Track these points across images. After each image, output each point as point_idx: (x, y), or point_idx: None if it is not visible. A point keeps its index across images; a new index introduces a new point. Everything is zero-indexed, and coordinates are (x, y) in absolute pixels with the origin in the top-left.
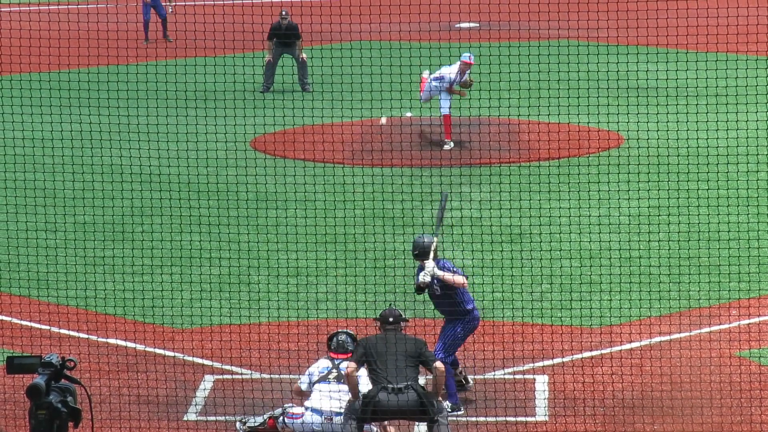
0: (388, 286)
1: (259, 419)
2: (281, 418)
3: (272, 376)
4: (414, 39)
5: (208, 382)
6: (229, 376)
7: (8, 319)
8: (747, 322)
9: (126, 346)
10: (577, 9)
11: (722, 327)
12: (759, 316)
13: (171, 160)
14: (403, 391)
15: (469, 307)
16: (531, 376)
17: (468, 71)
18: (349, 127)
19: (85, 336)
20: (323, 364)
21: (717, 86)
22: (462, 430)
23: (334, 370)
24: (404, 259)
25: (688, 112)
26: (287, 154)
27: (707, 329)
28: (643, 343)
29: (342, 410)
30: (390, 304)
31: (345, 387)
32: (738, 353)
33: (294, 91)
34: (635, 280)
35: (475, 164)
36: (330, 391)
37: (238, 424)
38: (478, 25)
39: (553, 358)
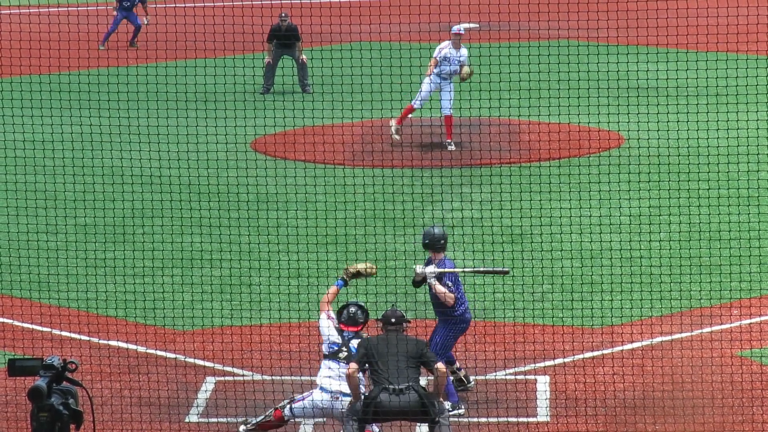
0: (389, 287)
1: (269, 411)
2: (287, 407)
3: (273, 377)
4: (414, 40)
5: (209, 384)
6: (230, 378)
7: (9, 321)
8: (748, 321)
9: (127, 348)
10: (577, 9)
11: (723, 327)
12: (760, 315)
13: (171, 161)
14: (404, 392)
15: (460, 310)
16: (532, 377)
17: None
18: (350, 128)
19: (87, 338)
20: (334, 336)
21: (717, 86)
22: (464, 430)
23: (344, 350)
24: (405, 260)
25: (688, 112)
26: (287, 156)
27: (708, 329)
28: (645, 343)
29: (345, 398)
30: (392, 305)
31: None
32: (739, 353)
33: (294, 93)
34: (636, 280)
35: (476, 165)
36: (340, 374)
37: (241, 428)
38: (478, 25)
39: (554, 359)
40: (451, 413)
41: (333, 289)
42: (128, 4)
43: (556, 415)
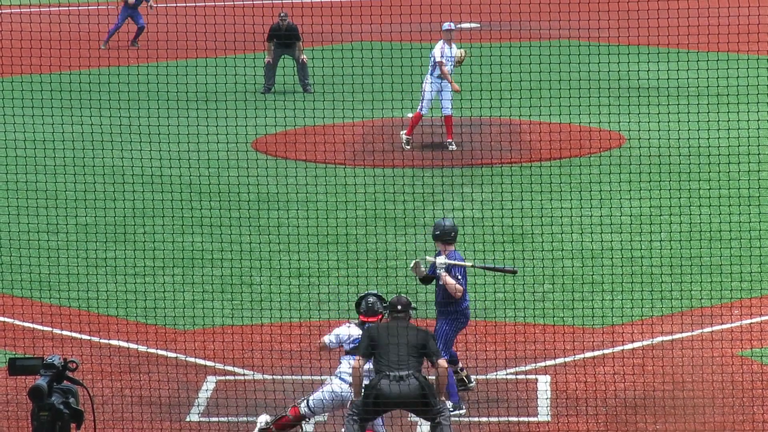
0: (390, 286)
1: (286, 410)
2: (304, 403)
3: (274, 376)
4: (415, 39)
5: (210, 383)
6: (231, 377)
7: (10, 320)
8: (749, 321)
9: (128, 348)
10: (578, 9)
11: (724, 327)
12: (761, 315)
13: (172, 161)
14: (404, 379)
15: (464, 304)
16: (533, 376)
17: (453, 43)
18: (351, 128)
19: (87, 337)
20: (352, 332)
21: (718, 86)
22: (464, 430)
23: None
24: (406, 259)
25: (689, 112)
26: (288, 155)
27: (709, 329)
28: (645, 342)
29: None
30: (398, 293)
31: (367, 365)
32: (740, 353)
33: (295, 92)
34: (637, 280)
35: (477, 165)
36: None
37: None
38: (478, 25)
39: (555, 358)
40: (452, 413)
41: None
42: (135, 2)
43: (557, 415)
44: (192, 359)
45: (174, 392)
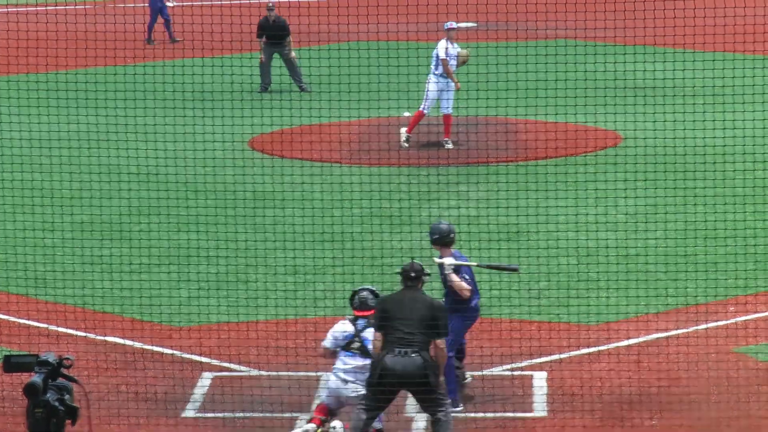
0: (386, 284)
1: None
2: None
3: (270, 373)
4: (412, 39)
5: (206, 380)
6: (227, 374)
7: (6, 317)
8: (744, 318)
9: (124, 344)
10: (575, 9)
11: (719, 323)
12: (756, 312)
13: (169, 159)
14: (409, 355)
15: (474, 302)
16: (529, 373)
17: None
18: (347, 126)
19: (83, 334)
20: (346, 328)
21: (714, 85)
22: (461, 425)
23: (357, 340)
24: (402, 257)
25: (685, 111)
26: (285, 154)
27: (704, 326)
28: (641, 339)
29: (357, 387)
30: (411, 259)
31: (363, 361)
32: (735, 349)
33: (291, 91)
34: (633, 278)
35: (473, 163)
36: (355, 369)
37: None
38: (475, 24)
39: (551, 355)
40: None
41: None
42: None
43: (553, 411)
44: (188, 356)
45: (170, 388)
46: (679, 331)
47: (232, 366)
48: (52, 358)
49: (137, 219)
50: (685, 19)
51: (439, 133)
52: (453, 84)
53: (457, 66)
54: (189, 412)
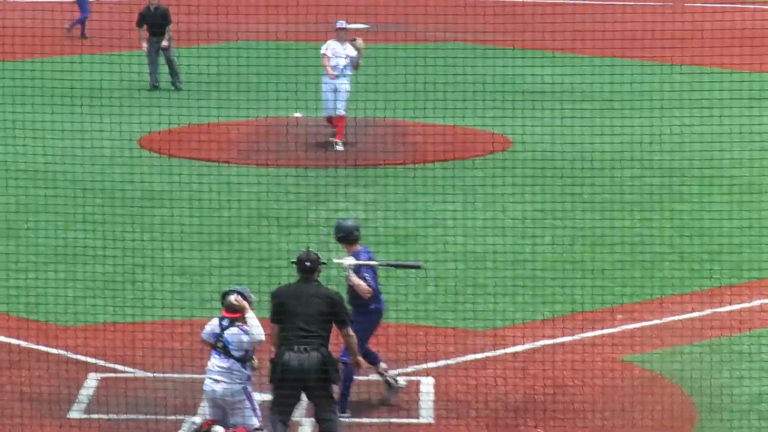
0: (273, 286)
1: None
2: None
3: (156, 374)
4: (301, 39)
5: (92, 381)
6: (113, 375)
7: None
8: (631, 326)
9: (9, 343)
10: (464, 12)
11: (606, 331)
12: (643, 321)
13: (57, 157)
14: (308, 351)
15: (375, 303)
16: (416, 378)
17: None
18: (236, 126)
19: None
20: (213, 326)
21: (603, 90)
22: (345, 430)
23: (220, 339)
24: (290, 258)
25: (574, 116)
26: (174, 153)
27: (591, 333)
28: (528, 346)
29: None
30: (307, 247)
31: (227, 362)
32: (622, 357)
33: (183, 90)
34: (521, 284)
35: (362, 165)
36: (221, 369)
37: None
38: (367, 26)
39: (438, 360)
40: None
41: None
42: None
43: (439, 417)
44: (74, 356)
45: (55, 389)
46: (566, 339)
47: (119, 367)
48: None
49: (24, 217)
50: (575, 24)
51: (328, 135)
52: (346, 85)
53: (357, 64)
54: (74, 413)
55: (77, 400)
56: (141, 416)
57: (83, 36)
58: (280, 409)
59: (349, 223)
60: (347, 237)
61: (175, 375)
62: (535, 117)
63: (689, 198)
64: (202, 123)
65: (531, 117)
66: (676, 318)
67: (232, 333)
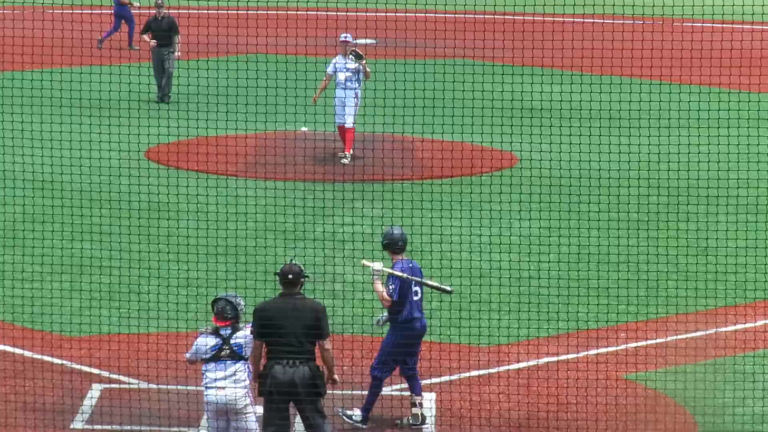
0: None
1: None
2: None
3: (160, 386)
4: (310, 53)
5: (95, 391)
6: (117, 386)
7: None
8: (635, 345)
9: (14, 353)
10: (473, 29)
11: (610, 349)
12: (646, 339)
13: (64, 167)
14: (297, 365)
15: (403, 316)
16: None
17: (351, 52)
18: (243, 139)
19: None
20: (208, 341)
21: (611, 109)
22: None
23: (226, 347)
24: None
25: (581, 135)
26: (181, 165)
27: (595, 351)
28: (532, 363)
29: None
30: (290, 259)
31: (232, 368)
32: (625, 375)
33: (189, 102)
34: (525, 300)
35: (369, 180)
36: (226, 375)
37: None
38: (375, 41)
39: (441, 376)
40: (351, 419)
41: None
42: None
43: None
44: (78, 366)
45: (59, 399)
46: (570, 356)
47: (123, 378)
48: None
49: (31, 227)
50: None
51: (335, 148)
52: (352, 97)
53: (366, 74)
54: (78, 424)
55: (81, 411)
56: (144, 427)
57: (131, 47)
58: (274, 424)
59: (394, 231)
60: (390, 245)
61: (179, 387)
62: (543, 134)
63: (694, 217)
64: (209, 136)
65: (538, 134)
66: (679, 337)
67: (240, 335)
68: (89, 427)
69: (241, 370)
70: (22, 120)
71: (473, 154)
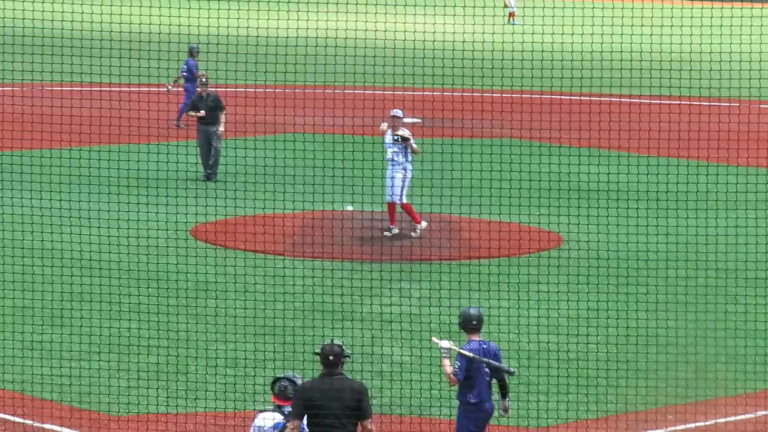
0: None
1: None
2: None
3: None
4: (358, 132)
5: None
6: None
7: None
8: (682, 427)
9: None
10: (520, 109)
11: None
12: (695, 421)
13: (111, 246)
14: None
15: (472, 398)
16: None
17: (401, 127)
18: (291, 219)
19: (21, 420)
20: (276, 416)
21: (657, 190)
22: None
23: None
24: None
25: (628, 216)
26: (227, 244)
27: None
28: None
29: None
30: (331, 339)
31: None
32: None
33: (236, 181)
34: (572, 382)
35: (415, 260)
36: None
37: None
38: (420, 120)
39: None
40: None
41: None
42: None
43: None
44: None
45: None
46: None
47: None
48: None
49: (78, 305)
50: (631, 123)
51: (382, 228)
52: (399, 171)
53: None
54: None
55: None
56: None
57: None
58: None
59: (470, 312)
60: (462, 324)
61: None
62: (589, 215)
63: (742, 299)
64: (256, 215)
65: (585, 215)
66: (728, 419)
67: None
68: None
69: None
70: (70, 198)
71: (520, 235)
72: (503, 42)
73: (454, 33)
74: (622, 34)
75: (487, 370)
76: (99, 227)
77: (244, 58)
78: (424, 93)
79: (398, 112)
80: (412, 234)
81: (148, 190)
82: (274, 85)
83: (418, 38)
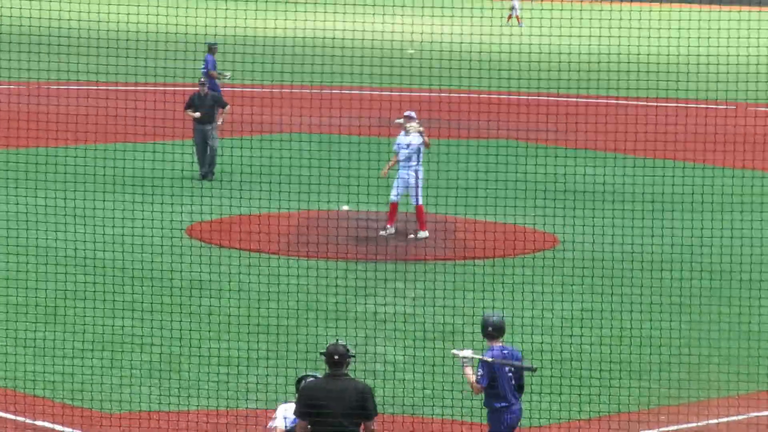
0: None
1: None
2: None
3: None
4: (354, 133)
5: None
6: None
7: None
8: (675, 427)
9: (54, 429)
10: (517, 110)
11: None
12: (687, 422)
13: (106, 244)
14: None
15: (498, 404)
16: None
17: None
18: (285, 218)
19: (13, 417)
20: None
21: (653, 192)
22: None
23: None
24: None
25: (624, 217)
26: (222, 243)
27: None
28: None
29: None
30: (336, 339)
31: None
32: None
33: (232, 180)
34: (565, 383)
35: (410, 260)
36: None
37: None
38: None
39: None
40: None
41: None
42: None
43: None
44: None
45: None
46: None
47: None
48: None
49: (72, 303)
50: (627, 125)
51: (377, 228)
52: (412, 171)
53: (426, 144)
54: None
55: None
56: None
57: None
58: None
59: (491, 318)
60: (482, 331)
61: None
62: (585, 216)
63: (736, 301)
64: (251, 214)
65: (580, 216)
66: (720, 420)
67: None
68: None
69: None
70: (65, 196)
71: (515, 236)
72: (500, 43)
73: (451, 34)
74: (620, 36)
75: (510, 374)
76: (94, 225)
77: (241, 57)
78: (421, 94)
79: (412, 114)
80: (410, 236)
81: (144, 188)
82: (271, 85)
83: (416, 39)
